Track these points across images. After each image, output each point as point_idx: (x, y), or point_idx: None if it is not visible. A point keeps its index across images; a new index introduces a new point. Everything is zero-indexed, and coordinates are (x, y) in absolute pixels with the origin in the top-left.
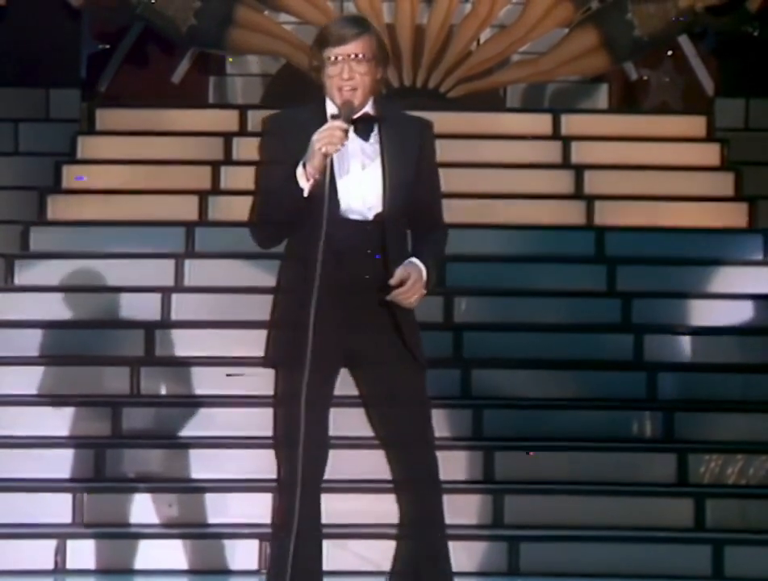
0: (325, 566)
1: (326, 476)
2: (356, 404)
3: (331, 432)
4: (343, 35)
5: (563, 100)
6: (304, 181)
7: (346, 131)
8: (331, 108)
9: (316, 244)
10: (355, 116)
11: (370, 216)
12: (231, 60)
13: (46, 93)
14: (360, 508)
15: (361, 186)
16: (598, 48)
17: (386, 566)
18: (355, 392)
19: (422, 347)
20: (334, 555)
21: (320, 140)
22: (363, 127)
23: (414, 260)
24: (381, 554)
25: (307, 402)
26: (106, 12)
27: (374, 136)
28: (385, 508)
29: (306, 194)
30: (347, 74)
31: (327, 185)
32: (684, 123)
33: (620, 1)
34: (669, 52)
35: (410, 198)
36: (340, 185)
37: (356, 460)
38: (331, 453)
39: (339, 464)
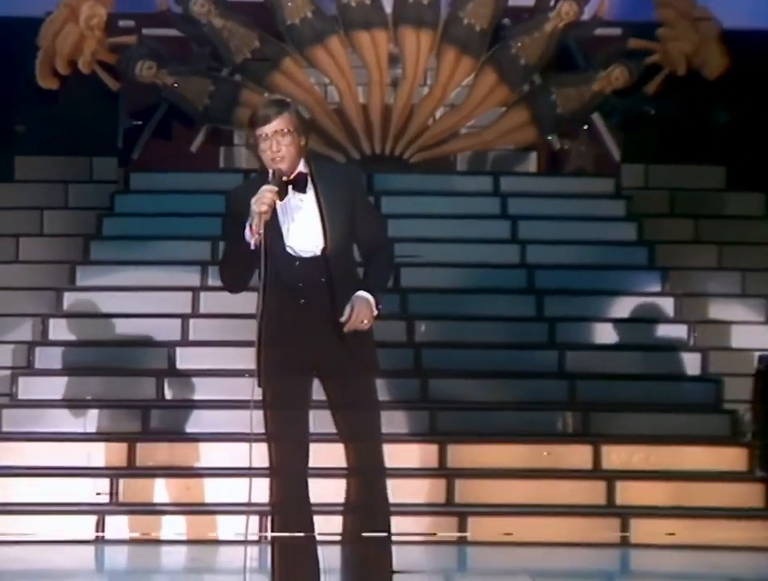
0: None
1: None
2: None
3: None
4: (266, 115)
5: (501, 164)
6: (250, 237)
7: (278, 192)
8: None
9: (273, 280)
10: (291, 177)
11: (318, 252)
12: None
13: (90, 160)
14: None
15: (303, 229)
16: (528, 124)
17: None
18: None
19: (374, 356)
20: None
21: (254, 202)
22: (299, 184)
23: (359, 293)
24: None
25: (285, 404)
26: (138, 94)
27: (310, 189)
28: None
29: (252, 247)
30: (275, 147)
31: (264, 239)
32: (596, 182)
33: (546, 85)
34: (585, 127)
35: (350, 231)
36: (286, 231)
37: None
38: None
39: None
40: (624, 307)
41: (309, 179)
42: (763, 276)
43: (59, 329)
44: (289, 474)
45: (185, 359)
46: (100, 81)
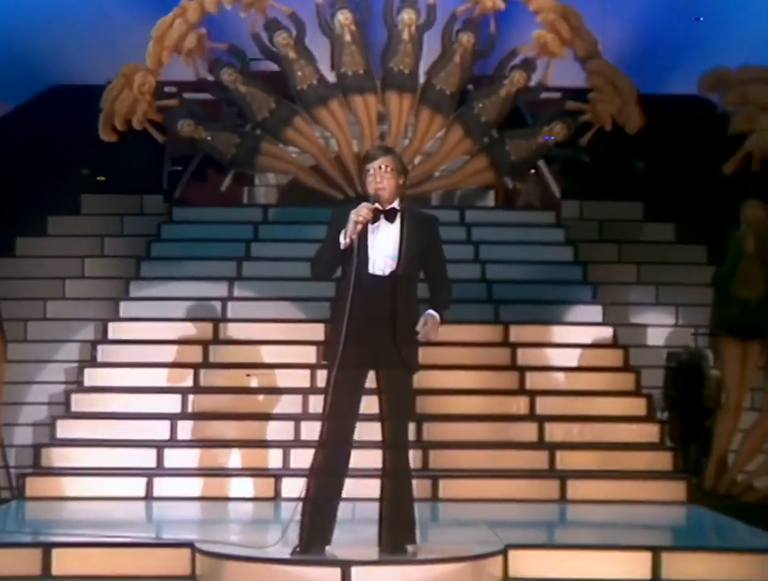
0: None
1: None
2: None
3: None
4: (375, 155)
5: (467, 200)
6: (342, 240)
7: (373, 211)
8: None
9: (350, 289)
10: (386, 208)
11: (387, 272)
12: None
13: (141, 197)
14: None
15: (384, 252)
16: (488, 168)
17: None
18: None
19: (416, 357)
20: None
21: (353, 213)
22: (390, 216)
23: (430, 311)
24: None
25: (344, 390)
26: (179, 145)
27: (398, 222)
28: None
29: (342, 247)
30: (378, 178)
31: (356, 244)
32: (541, 215)
33: (502, 138)
34: (532, 171)
35: (419, 264)
36: (370, 250)
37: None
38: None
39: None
40: (563, 313)
41: (399, 215)
42: (673, 289)
43: (116, 331)
44: (339, 447)
45: (216, 355)
46: (150, 136)
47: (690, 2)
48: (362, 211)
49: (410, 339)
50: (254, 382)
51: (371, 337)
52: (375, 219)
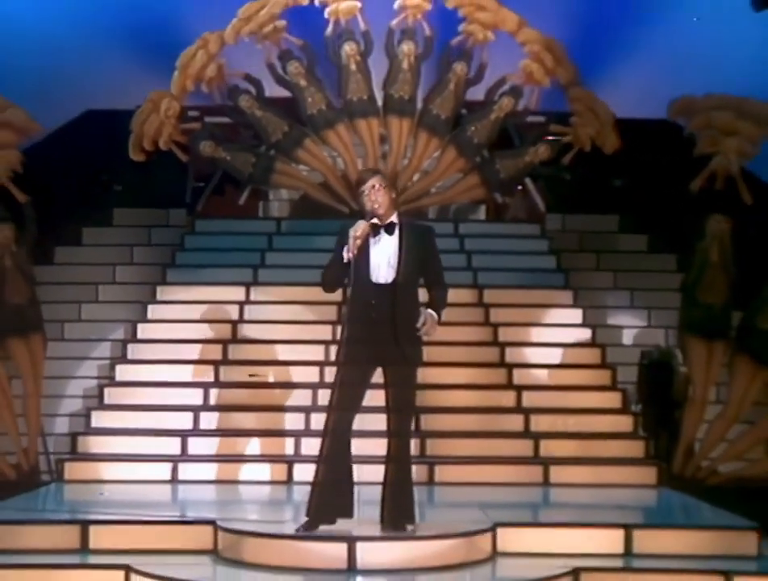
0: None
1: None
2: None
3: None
4: (365, 177)
5: (460, 213)
6: (345, 254)
7: (371, 227)
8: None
9: (356, 296)
10: (385, 223)
11: (389, 280)
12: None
13: (167, 211)
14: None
15: (385, 262)
16: (479, 185)
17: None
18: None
19: (418, 354)
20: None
21: (352, 229)
22: (389, 229)
23: (429, 311)
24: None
25: (349, 385)
26: (201, 164)
27: (396, 234)
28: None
29: (345, 260)
30: (373, 197)
31: (353, 259)
32: (528, 227)
33: (492, 158)
34: (520, 187)
35: (417, 271)
36: (373, 260)
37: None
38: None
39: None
40: (547, 315)
41: (397, 228)
42: (645, 294)
43: (145, 331)
44: (341, 435)
45: (235, 353)
46: (174, 155)
47: (661, 36)
48: (359, 227)
49: (412, 338)
50: (269, 378)
51: (377, 338)
52: (376, 233)
